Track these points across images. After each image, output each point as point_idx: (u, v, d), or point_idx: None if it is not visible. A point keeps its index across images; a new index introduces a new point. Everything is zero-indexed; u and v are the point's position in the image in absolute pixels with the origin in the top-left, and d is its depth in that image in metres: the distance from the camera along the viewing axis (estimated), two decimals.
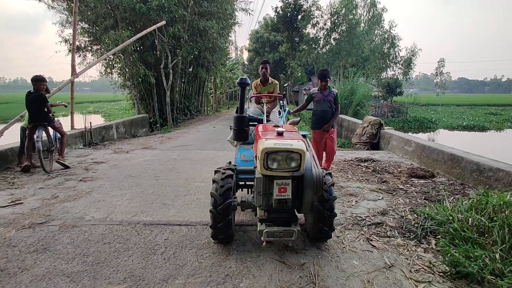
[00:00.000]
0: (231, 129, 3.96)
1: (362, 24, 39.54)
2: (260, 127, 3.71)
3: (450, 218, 3.80)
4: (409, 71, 44.50)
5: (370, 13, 40.63)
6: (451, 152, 6.55)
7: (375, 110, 37.13)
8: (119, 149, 9.69)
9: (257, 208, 3.31)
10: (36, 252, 3.37)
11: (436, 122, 37.22)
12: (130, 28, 17.23)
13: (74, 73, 10.17)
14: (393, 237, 3.86)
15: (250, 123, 3.90)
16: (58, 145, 7.05)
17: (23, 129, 6.89)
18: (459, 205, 4.01)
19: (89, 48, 18.95)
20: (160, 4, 15.60)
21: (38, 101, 6.58)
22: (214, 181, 3.36)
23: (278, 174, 2.91)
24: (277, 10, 40.64)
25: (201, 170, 6.99)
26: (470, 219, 3.59)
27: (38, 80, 6.76)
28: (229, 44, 30.00)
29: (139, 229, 3.95)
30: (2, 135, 7.88)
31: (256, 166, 3.09)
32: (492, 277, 2.88)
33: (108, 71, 19.68)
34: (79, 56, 18.49)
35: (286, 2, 39.14)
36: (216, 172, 3.49)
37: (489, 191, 4.19)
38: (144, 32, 14.25)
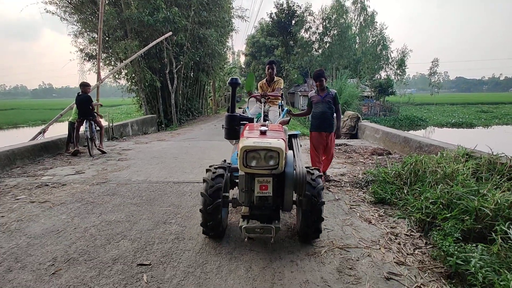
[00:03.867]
0: (223, 128, 3.98)
1: (354, 28, 41.23)
2: (247, 126, 3.81)
3: (381, 172, 5.64)
4: (402, 72, 45.46)
5: (361, 17, 42.22)
6: (404, 136, 8.40)
7: (368, 110, 38.83)
8: (138, 141, 11.66)
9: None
10: (109, 195, 5.22)
11: (426, 120, 38.79)
12: (137, 37, 18.92)
13: (99, 79, 11.96)
14: (345, 187, 5.71)
15: (241, 122, 3.94)
16: (96, 136, 8.85)
17: (71, 123, 8.79)
18: (393, 167, 5.81)
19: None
20: (166, 16, 17.44)
21: (86, 101, 8.46)
22: (204, 181, 3.41)
23: (257, 171, 3.01)
24: (272, 16, 42.47)
25: (209, 153, 8.85)
26: (393, 171, 5.42)
27: (85, 85, 8.70)
28: (227, 49, 31.68)
29: (171, 185, 5.80)
30: (48, 129, 9.80)
31: (238, 164, 3.08)
32: (396, 200, 4.72)
33: (117, 77, 21.41)
34: (93, 64, 20.19)
35: (280, 8, 40.95)
36: (207, 171, 3.56)
37: (412, 155, 6.00)
38: (154, 42, 16.10)
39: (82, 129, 8.57)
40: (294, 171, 3.08)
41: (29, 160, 7.55)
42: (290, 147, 4.22)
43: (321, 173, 3.61)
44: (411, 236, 3.76)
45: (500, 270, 2.65)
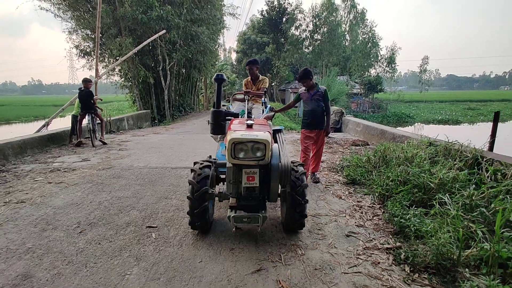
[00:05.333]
0: (208, 123, 4.03)
1: (344, 25, 41.95)
2: (234, 120, 3.84)
3: (355, 158, 6.43)
4: (393, 69, 45.89)
5: (351, 15, 42.89)
6: (381, 128, 9.20)
7: (357, 106, 39.62)
8: (135, 134, 12.39)
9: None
10: (115, 177, 5.95)
11: (414, 117, 39.67)
12: (131, 35, 19.40)
13: (97, 75, 12.63)
14: (323, 171, 6.48)
15: (227, 117, 3.98)
16: (98, 128, 9.55)
17: (74, 117, 9.50)
18: (365, 153, 6.58)
19: (92, 52, 21.03)
20: (159, 15, 17.99)
21: (88, 96, 9.15)
22: (192, 170, 3.55)
23: (245, 163, 3.11)
24: (263, 13, 43.19)
25: (202, 144, 9.60)
26: (365, 158, 6.20)
27: (87, 81, 9.39)
28: (218, 46, 32.24)
29: (169, 170, 6.53)
30: (51, 123, 10.49)
31: (226, 156, 3.17)
32: (365, 180, 5.51)
33: (110, 73, 21.87)
34: (87, 60, 20.71)
35: (271, 5, 41.69)
36: (195, 163, 3.68)
37: (383, 143, 6.77)
38: (149, 40, 16.82)
39: (84, 121, 9.26)
40: (280, 163, 3.25)
41: (38, 150, 8.23)
42: (275, 141, 4.15)
43: (305, 170, 3.69)
44: (373, 207, 4.54)
45: (428, 223, 3.45)
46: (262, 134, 3.08)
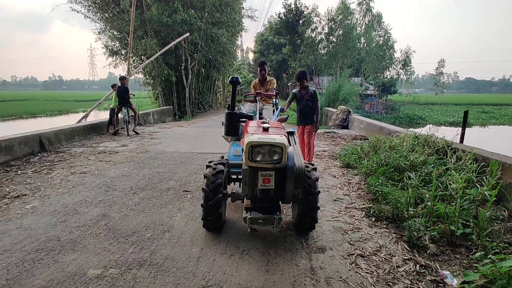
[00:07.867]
0: (223, 125, 4.12)
1: (359, 29, 42.70)
2: (249, 123, 3.86)
3: (351, 148, 7.62)
4: (409, 72, 46.03)
5: (366, 18, 43.58)
6: (380, 125, 10.35)
7: (370, 107, 40.33)
8: (161, 127, 13.80)
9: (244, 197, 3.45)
10: (152, 159, 7.27)
11: (426, 118, 40.01)
12: (156, 36, 20.85)
13: (129, 73, 14.01)
14: (324, 158, 7.67)
15: (241, 119, 4.11)
16: (131, 120, 10.92)
17: (112, 109, 10.89)
18: (361, 144, 7.75)
19: (119, 51, 22.62)
20: (183, 18, 19.36)
21: (125, 91, 10.55)
22: (205, 176, 3.55)
23: (262, 165, 3.12)
24: (280, 15, 44.39)
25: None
26: (359, 147, 7.38)
27: (123, 78, 10.88)
28: (236, 47, 33.40)
29: (196, 154, 7.83)
30: (89, 115, 11.94)
31: (243, 159, 3.17)
32: (357, 164, 6.69)
33: (135, 71, 23.21)
34: (113, 59, 22.11)
35: (288, 8, 42.89)
36: (207, 166, 3.69)
37: (376, 136, 7.94)
38: (174, 42, 18.31)
39: (120, 114, 10.72)
40: (294, 165, 3.19)
41: (82, 137, 9.66)
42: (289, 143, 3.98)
43: (319, 176, 3.74)
44: (359, 183, 5.73)
45: (390, 188, 4.66)
46: (279, 137, 3.12)
